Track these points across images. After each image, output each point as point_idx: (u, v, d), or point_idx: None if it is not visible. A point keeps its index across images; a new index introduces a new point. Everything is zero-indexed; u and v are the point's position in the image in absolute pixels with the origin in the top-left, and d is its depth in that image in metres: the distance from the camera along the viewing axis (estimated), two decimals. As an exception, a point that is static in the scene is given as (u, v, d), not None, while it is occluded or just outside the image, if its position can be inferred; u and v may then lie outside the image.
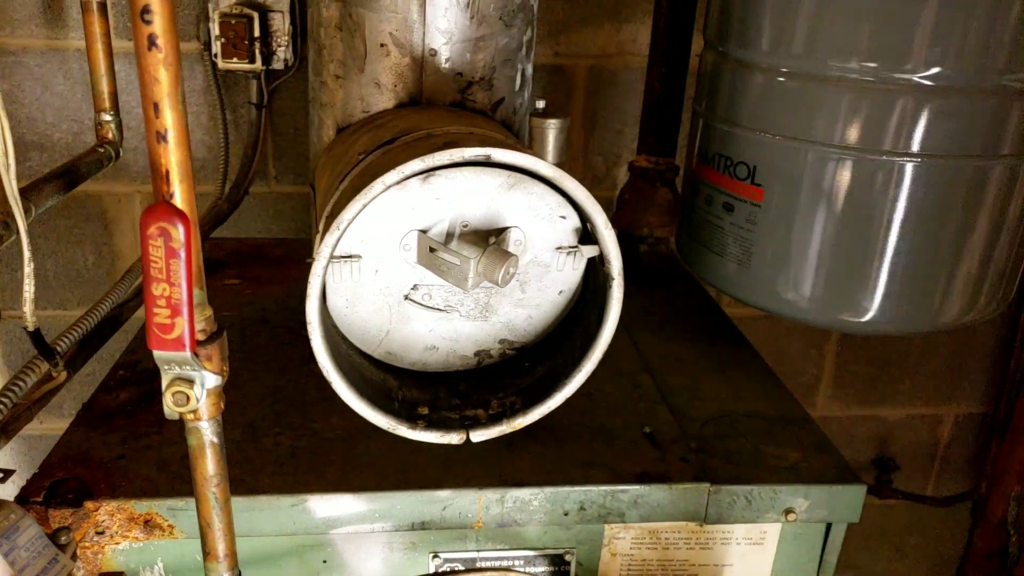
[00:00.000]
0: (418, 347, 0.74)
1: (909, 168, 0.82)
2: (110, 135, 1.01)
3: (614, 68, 1.43)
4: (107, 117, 1.01)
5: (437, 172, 0.63)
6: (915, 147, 0.81)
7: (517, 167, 0.63)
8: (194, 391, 0.45)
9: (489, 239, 0.65)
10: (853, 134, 0.82)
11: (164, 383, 0.45)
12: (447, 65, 0.75)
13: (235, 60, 1.28)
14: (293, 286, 1.13)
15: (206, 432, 0.49)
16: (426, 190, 0.64)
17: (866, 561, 1.88)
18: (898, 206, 0.83)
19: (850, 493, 0.76)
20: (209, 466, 0.50)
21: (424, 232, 0.66)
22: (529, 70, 0.84)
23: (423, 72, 0.75)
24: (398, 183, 0.61)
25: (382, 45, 0.75)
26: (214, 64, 1.30)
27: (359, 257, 0.67)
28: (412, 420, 0.70)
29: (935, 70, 0.78)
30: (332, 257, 0.65)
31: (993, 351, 1.70)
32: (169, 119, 0.41)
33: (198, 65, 1.35)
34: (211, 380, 0.46)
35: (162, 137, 0.41)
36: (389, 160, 0.63)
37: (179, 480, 0.71)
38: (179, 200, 0.42)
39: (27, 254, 0.76)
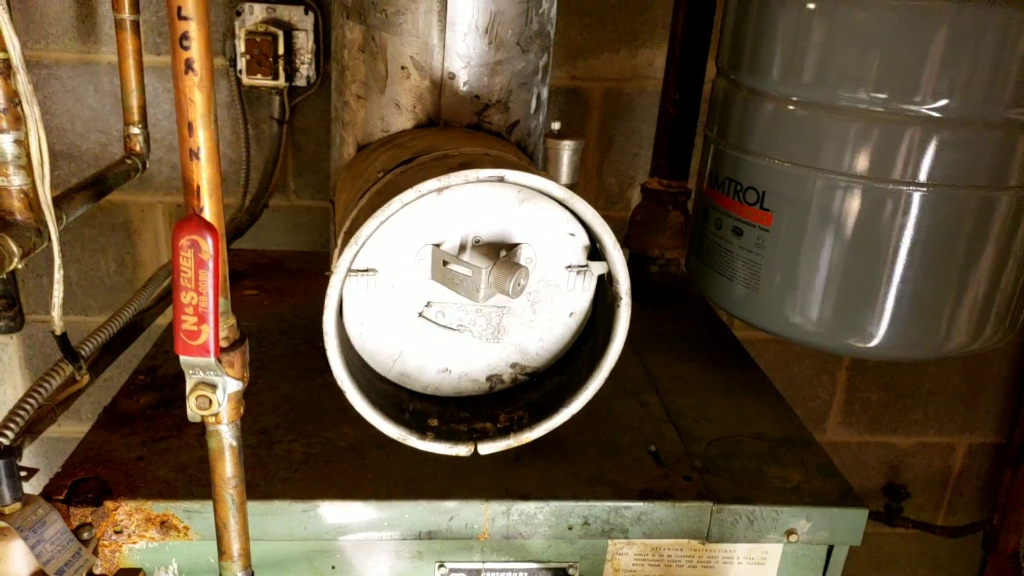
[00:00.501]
0: (431, 369, 0.75)
1: (916, 197, 0.83)
2: (138, 147, 1.05)
3: (630, 92, 1.46)
4: (135, 130, 1.04)
5: (451, 187, 0.65)
6: (922, 177, 0.82)
7: (530, 188, 0.66)
8: (216, 395, 0.47)
9: (500, 253, 0.67)
10: (861, 163, 0.83)
11: (188, 387, 0.47)
12: (465, 88, 0.78)
13: (259, 76, 1.32)
14: (310, 298, 1.15)
15: (226, 435, 0.51)
16: (440, 205, 0.67)
17: (875, 589, 1.86)
18: (905, 234, 0.84)
19: (852, 516, 0.76)
20: (228, 468, 0.52)
21: (437, 246, 0.68)
22: (544, 94, 0.86)
23: (442, 94, 0.78)
24: (414, 200, 0.63)
25: (403, 68, 0.77)
26: (239, 80, 1.34)
27: (375, 271, 0.69)
28: (422, 431, 0.72)
29: (943, 102, 0.80)
30: (349, 271, 0.67)
31: (1008, 381, 1.70)
32: (202, 138, 0.44)
33: (223, 80, 1.39)
34: (232, 385, 0.48)
35: (195, 155, 0.44)
36: (407, 179, 0.65)
37: (195, 483, 0.73)
38: (208, 214, 0.45)
39: (58, 260, 0.79)
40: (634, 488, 0.76)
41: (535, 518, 0.74)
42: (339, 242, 0.69)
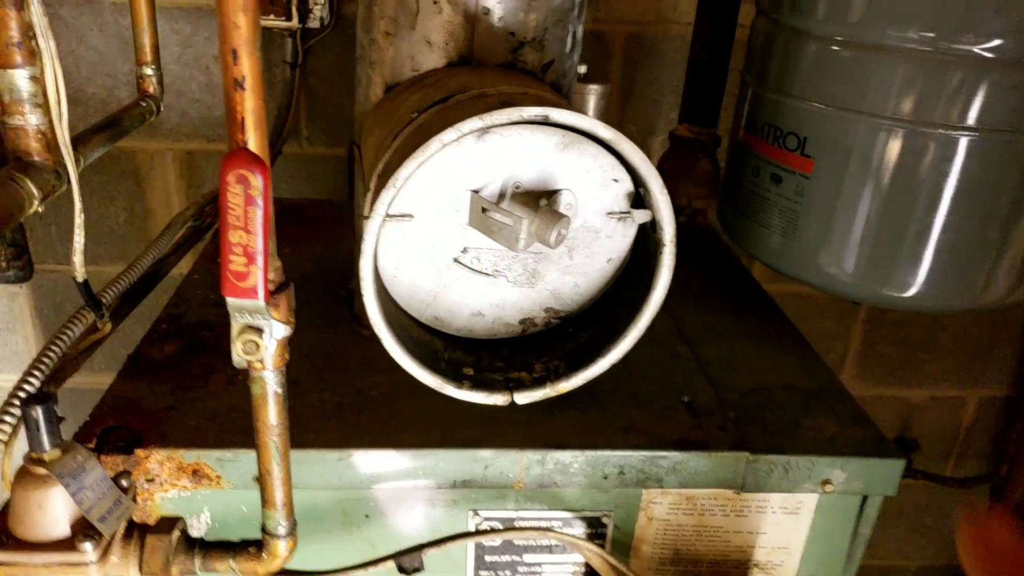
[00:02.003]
0: (464, 313, 0.74)
1: (963, 142, 0.80)
2: (151, 89, 1.01)
3: (653, 36, 1.40)
4: (149, 71, 1.00)
5: (492, 130, 0.62)
6: (971, 121, 0.79)
7: (574, 128, 0.63)
8: (263, 340, 0.46)
9: (540, 201, 0.65)
10: (908, 106, 0.80)
11: (234, 331, 0.46)
12: (499, 24, 0.74)
13: (272, 17, 1.27)
14: (329, 247, 1.13)
15: (270, 382, 0.50)
16: (481, 149, 0.64)
17: (882, 539, 1.90)
18: (949, 181, 0.81)
19: (888, 467, 0.76)
20: (271, 416, 0.51)
21: (476, 192, 0.66)
22: (580, 32, 0.82)
23: (475, 31, 0.74)
24: (455, 141, 0.60)
25: (435, 2, 0.73)
26: (250, 21, 1.29)
27: (411, 216, 0.67)
28: (458, 380, 0.71)
29: (996, 42, 0.76)
30: (386, 216, 0.65)
31: (1022, 334, 1.69)
32: (247, 66, 0.41)
33: (233, 22, 1.33)
34: (280, 330, 0.46)
35: (239, 84, 0.41)
36: (444, 119, 0.62)
37: (226, 431, 0.72)
38: (253, 147, 0.42)
39: (78, 204, 0.76)
40: (668, 438, 0.76)
41: (570, 467, 0.73)
42: (372, 185, 0.66)
